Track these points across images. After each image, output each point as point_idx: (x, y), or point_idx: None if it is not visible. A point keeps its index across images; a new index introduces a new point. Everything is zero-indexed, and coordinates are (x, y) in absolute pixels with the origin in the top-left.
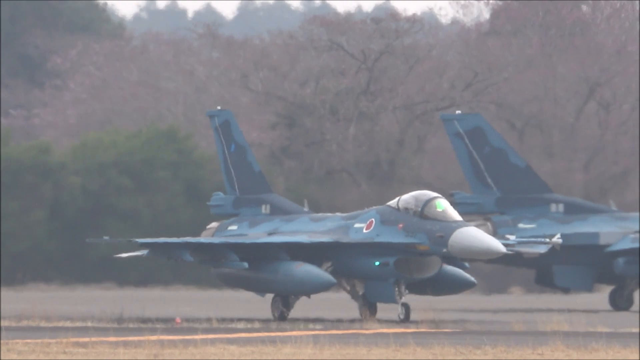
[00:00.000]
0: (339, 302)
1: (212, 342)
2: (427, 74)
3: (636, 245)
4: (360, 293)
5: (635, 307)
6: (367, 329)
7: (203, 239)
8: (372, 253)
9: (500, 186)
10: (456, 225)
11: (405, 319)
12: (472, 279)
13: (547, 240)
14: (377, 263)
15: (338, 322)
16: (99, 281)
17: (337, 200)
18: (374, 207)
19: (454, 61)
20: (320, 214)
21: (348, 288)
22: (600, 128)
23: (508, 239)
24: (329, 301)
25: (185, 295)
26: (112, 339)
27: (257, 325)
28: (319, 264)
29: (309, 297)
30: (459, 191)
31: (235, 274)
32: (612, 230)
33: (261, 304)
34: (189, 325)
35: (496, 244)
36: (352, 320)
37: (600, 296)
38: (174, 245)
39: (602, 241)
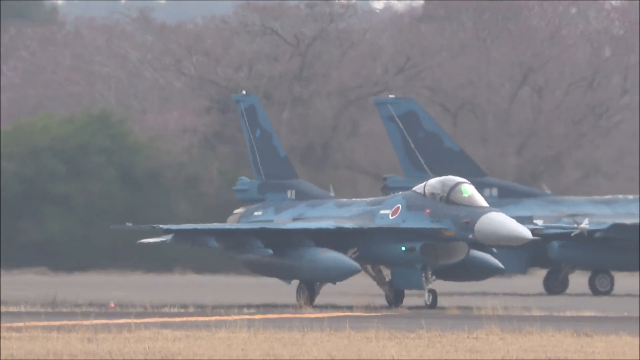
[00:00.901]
0: (277, 287)
1: (146, 326)
2: (360, 58)
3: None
4: (387, 280)
5: (569, 290)
6: (302, 314)
7: (227, 224)
8: (398, 239)
9: (434, 170)
10: (482, 210)
11: (433, 305)
12: (500, 264)
13: (575, 225)
14: (403, 248)
15: (273, 307)
16: (33, 266)
17: None
18: (400, 193)
19: (388, 46)
20: (346, 200)
21: (374, 274)
22: (533, 112)
23: (536, 225)
24: (270, 286)
25: (120, 281)
26: (45, 323)
27: (191, 309)
28: (344, 250)
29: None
30: (393, 175)
31: (260, 260)
32: (546, 214)
33: (195, 289)
34: (123, 310)
35: (523, 230)
36: (287, 306)
37: (535, 280)
38: (199, 232)
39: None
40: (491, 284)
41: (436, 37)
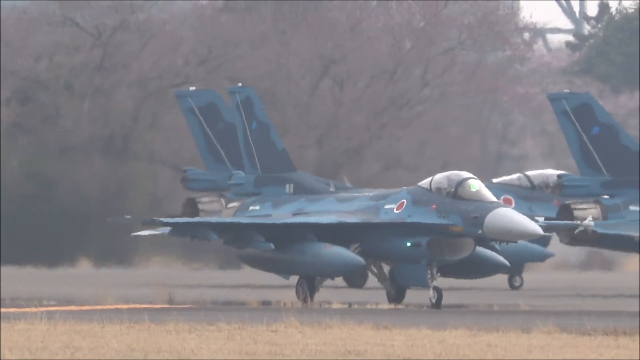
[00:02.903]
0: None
1: None
2: (161, 49)
3: None
4: (388, 276)
5: (369, 283)
6: (102, 305)
7: (229, 218)
8: (404, 234)
9: (234, 163)
10: (491, 206)
11: (437, 303)
12: (505, 261)
13: (579, 222)
14: (408, 244)
15: (73, 299)
16: None
17: (74, 175)
18: (405, 188)
19: (189, 37)
20: (347, 194)
21: (375, 271)
22: (334, 104)
23: (536, 220)
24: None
25: None
26: None
27: None
28: (346, 245)
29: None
30: (193, 167)
31: (261, 255)
32: None
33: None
34: None
35: (533, 226)
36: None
37: None
38: (198, 225)
39: None
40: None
41: (237, 29)
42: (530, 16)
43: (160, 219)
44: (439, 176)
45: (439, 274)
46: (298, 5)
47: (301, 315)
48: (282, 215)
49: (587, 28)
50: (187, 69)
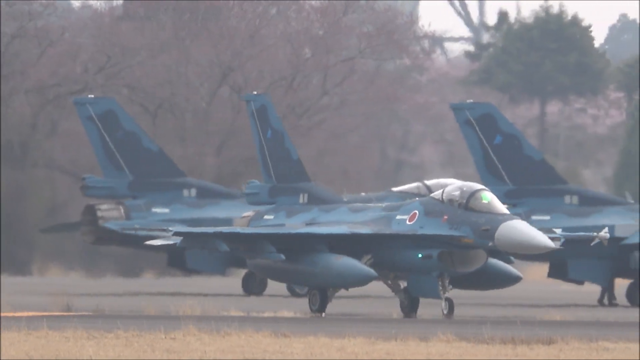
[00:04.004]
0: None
1: None
2: (60, 57)
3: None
4: (402, 287)
5: (268, 291)
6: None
7: (239, 228)
8: (415, 245)
9: (133, 170)
10: (502, 218)
11: (449, 315)
12: (518, 273)
13: (595, 234)
14: (420, 255)
15: None
16: None
17: None
18: (417, 199)
19: (87, 45)
20: (360, 204)
21: (389, 282)
22: (232, 112)
23: (555, 233)
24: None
25: None
26: None
27: None
28: (358, 256)
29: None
30: (91, 175)
31: (272, 265)
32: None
33: None
34: None
35: (544, 239)
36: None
37: (234, 280)
38: (209, 235)
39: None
40: (189, 284)
41: (136, 36)
42: (429, 25)
43: (170, 228)
44: (451, 187)
45: (451, 286)
46: (197, 13)
47: (200, 322)
48: (295, 225)
49: (486, 37)
50: (85, 77)
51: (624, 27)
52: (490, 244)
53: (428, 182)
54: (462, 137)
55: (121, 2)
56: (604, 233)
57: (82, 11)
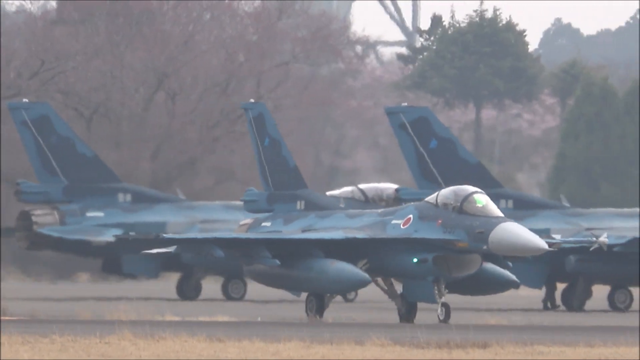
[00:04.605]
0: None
1: None
2: None
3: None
4: (399, 292)
5: (202, 295)
6: None
7: (234, 234)
8: (410, 250)
9: (68, 175)
10: (497, 221)
11: (446, 319)
12: (514, 277)
13: (594, 239)
14: (415, 260)
15: None
16: None
17: None
18: (412, 203)
19: (21, 49)
20: (356, 210)
21: (385, 287)
22: (168, 117)
23: (553, 238)
24: None
25: None
26: None
27: None
28: (354, 261)
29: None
30: (25, 180)
31: (268, 271)
32: (180, 220)
33: None
34: None
35: (539, 241)
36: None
37: (168, 284)
38: (204, 241)
39: (170, 230)
40: (123, 288)
41: (70, 41)
42: (363, 30)
43: (164, 235)
44: (445, 191)
45: (447, 290)
46: (132, 18)
47: (134, 327)
48: (292, 231)
49: (420, 41)
50: (19, 82)
51: (558, 31)
52: (484, 247)
53: (362, 187)
54: (396, 141)
55: (55, 5)
56: (604, 238)
57: (16, 16)
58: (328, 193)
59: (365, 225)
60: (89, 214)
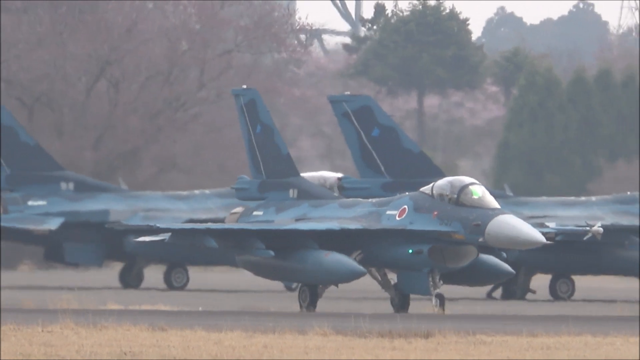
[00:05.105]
0: None
1: None
2: None
3: (146, 222)
4: (393, 283)
5: (144, 284)
6: None
7: (228, 224)
8: (405, 241)
9: (11, 165)
10: (493, 213)
11: (441, 311)
12: (510, 268)
13: (588, 228)
14: (410, 251)
15: None
16: None
17: None
18: (407, 194)
19: None
20: (350, 200)
21: (379, 278)
22: (110, 106)
23: (548, 227)
24: None
25: None
26: None
27: None
28: (347, 252)
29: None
30: None
31: (261, 262)
32: (123, 209)
33: None
34: None
35: (536, 234)
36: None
37: (111, 273)
38: (198, 231)
39: (113, 218)
40: (65, 277)
41: (13, 30)
42: (307, 18)
43: (159, 225)
44: (441, 182)
45: (441, 282)
46: (75, 6)
47: (77, 316)
48: (285, 220)
49: (363, 30)
50: None
51: (501, 20)
52: (480, 239)
53: (305, 175)
54: (339, 129)
55: None
56: (598, 227)
57: None
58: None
59: (359, 215)
60: (32, 203)
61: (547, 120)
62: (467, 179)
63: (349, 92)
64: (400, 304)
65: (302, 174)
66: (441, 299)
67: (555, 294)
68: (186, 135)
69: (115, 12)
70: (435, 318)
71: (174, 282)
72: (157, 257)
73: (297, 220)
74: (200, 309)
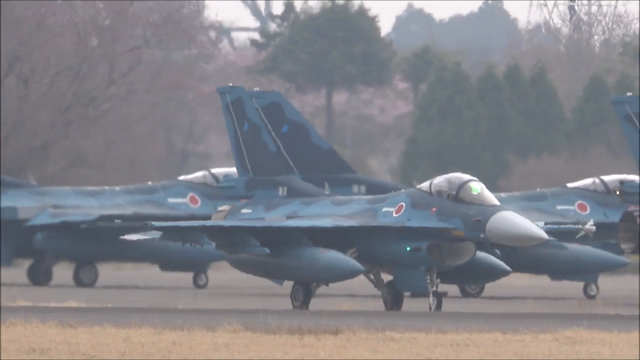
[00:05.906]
0: None
1: None
2: None
3: (55, 220)
4: (385, 282)
5: (54, 281)
6: None
7: (222, 222)
8: (403, 238)
9: None
10: (494, 209)
11: (437, 309)
12: (506, 266)
13: (580, 226)
14: (408, 248)
15: None
16: None
17: None
18: (403, 191)
19: None
20: (343, 197)
21: (372, 276)
22: (19, 101)
23: (537, 225)
24: None
25: None
26: None
27: None
28: (343, 250)
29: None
30: None
31: (255, 260)
32: (31, 205)
33: None
34: None
35: (537, 230)
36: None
37: (19, 270)
38: (191, 229)
39: (21, 215)
40: None
41: None
42: (216, 15)
43: (153, 223)
44: (439, 179)
45: (438, 280)
46: None
47: None
48: (276, 218)
49: (273, 27)
50: None
51: (410, 17)
52: (481, 235)
53: (214, 171)
54: None
55: None
56: (590, 225)
57: None
58: (180, 178)
59: (354, 212)
60: None
61: (457, 116)
62: (465, 176)
63: (258, 89)
64: (393, 303)
65: (211, 170)
66: (438, 297)
67: (465, 292)
68: (96, 131)
69: (24, 6)
70: (345, 314)
71: (83, 279)
72: (66, 254)
73: (288, 217)
74: (109, 305)
